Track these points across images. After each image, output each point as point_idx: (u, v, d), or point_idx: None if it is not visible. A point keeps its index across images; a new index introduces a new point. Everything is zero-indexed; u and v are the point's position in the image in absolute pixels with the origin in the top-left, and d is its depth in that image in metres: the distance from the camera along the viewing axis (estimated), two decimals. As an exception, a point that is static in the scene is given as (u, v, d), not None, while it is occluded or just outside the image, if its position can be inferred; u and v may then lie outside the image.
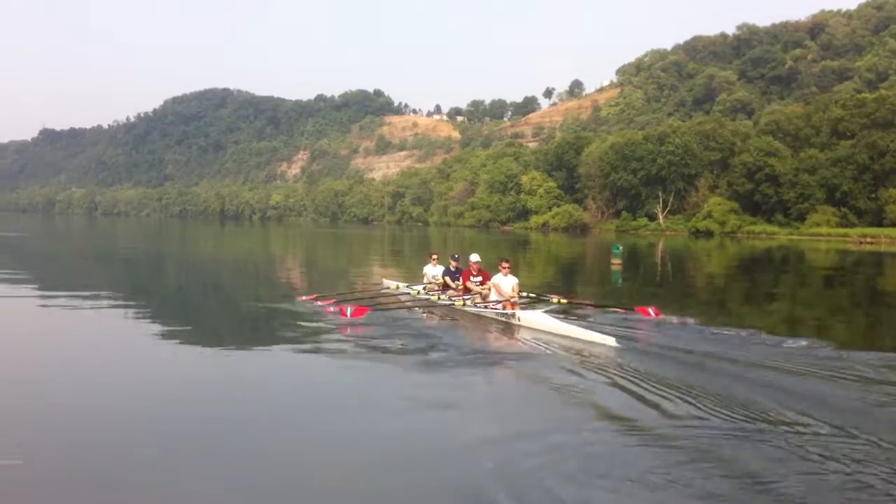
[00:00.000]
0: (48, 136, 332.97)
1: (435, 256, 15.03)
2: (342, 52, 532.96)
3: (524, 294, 13.05)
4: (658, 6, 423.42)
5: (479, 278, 12.98)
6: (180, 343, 10.27)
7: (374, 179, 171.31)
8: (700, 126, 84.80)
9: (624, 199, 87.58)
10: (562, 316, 11.54)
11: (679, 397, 6.87)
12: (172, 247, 43.82)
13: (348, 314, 11.11)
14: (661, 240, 63.53)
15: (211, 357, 9.49)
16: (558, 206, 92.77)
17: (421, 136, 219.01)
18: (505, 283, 12.29)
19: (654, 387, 7.27)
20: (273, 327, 11.92)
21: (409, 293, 13.95)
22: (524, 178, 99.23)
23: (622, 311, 12.49)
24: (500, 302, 12.01)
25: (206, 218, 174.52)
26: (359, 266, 28.55)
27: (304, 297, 13.51)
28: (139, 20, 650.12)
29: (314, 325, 11.16)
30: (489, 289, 12.52)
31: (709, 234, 72.87)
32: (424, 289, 13.86)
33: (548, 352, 9.33)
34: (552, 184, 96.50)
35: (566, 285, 20.19)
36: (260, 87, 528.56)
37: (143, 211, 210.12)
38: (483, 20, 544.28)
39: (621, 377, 7.74)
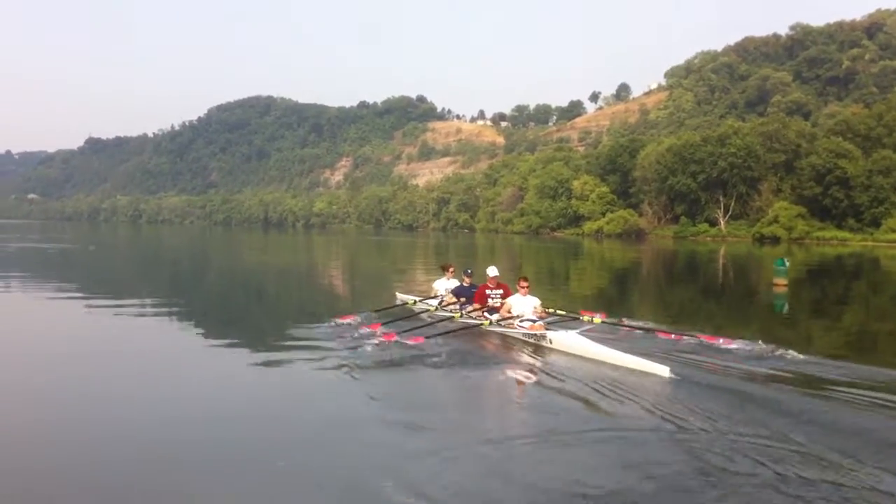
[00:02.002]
0: (94, 145, 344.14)
1: (452, 269, 13.73)
2: (385, 58, 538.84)
3: (552, 311, 11.70)
4: (705, 8, 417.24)
5: (500, 291, 11.80)
6: (208, 353, 10.06)
7: (417, 186, 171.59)
8: (763, 127, 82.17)
9: (682, 203, 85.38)
10: (602, 338, 10.20)
11: (764, 455, 5.65)
12: (216, 256, 44.19)
13: (382, 339, 10.15)
14: (722, 247, 61.62)
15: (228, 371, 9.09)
16: (612, 212, 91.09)
17: (465, 141, 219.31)
18: (522, 304, 11.02)
19: (719, 435, 6.17)
20: (306, 343, 11.18)
21: (428, 309, 12.87)
22: (575, 183, 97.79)
23: (676, 336, 10.86)
24: (524, 321, 10.81)
25: (249, 225, 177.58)
26: (403, 277, 28.06)
27: (338, 319, 12.24)
28: (183, 29, 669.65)
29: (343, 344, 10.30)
30: (502, 299, 11.47)
31: (775, 240, 70.42)
32: (441, 304, 12.81)
33: (586, 383, 8.11)
34: (605, 188, 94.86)
35: (703, 316, 16.24)
36: (303, 94, 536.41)
37: (186, 219, 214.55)
38: (526, 24, 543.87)
39: (678, 419, 6.62)
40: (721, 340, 10.29)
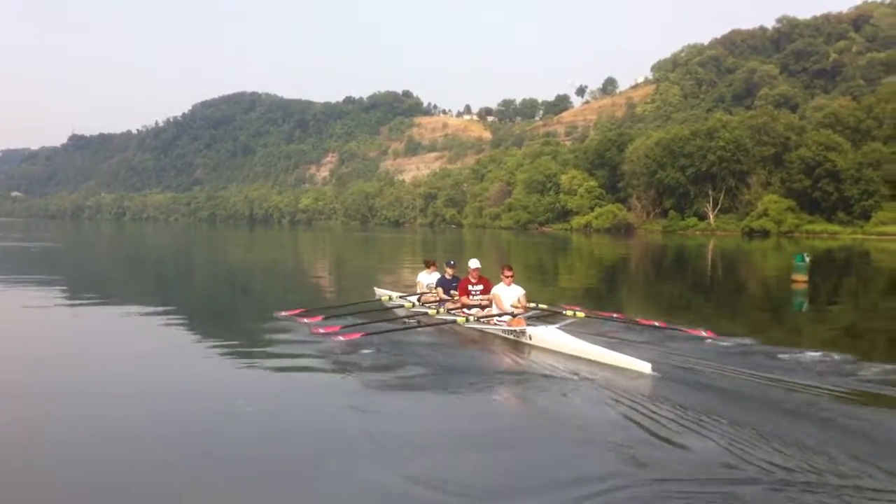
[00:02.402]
0: (77, 142, 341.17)
1: (434, 265, 13.52)
2: (370, 53, 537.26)
3: (533, 305, 11.33)
4: (691, 1, 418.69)
5: (480, 286, 11.35)
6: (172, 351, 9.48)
7: (404, 181, 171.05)
8: (751, 120, 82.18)
9: (671, 197, 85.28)
10: (584, 333, 9.82)
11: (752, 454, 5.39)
12: (199, 253, 43.51)
13: (340, 338, 9.67)
14: (711, 241, 61.51)
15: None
16: (600, 207, 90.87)
17: (451, 136, 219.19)
18: (507, 294, 10.78)
19: (703, 430, 5.92)
20: (263, 341, 10.70)
21: (402, 305, 12.44)
22: (563, 178, 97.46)
23: (662, 326, 10.83)
24: (503, 316, 10.48)
25: (234, 222, 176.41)
26: (388, 272, 27.55)
27: (284, 313, 11.95)
28: (165, 25, 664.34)
29: (299, 343, 9.92)
30: (489, 301, 11.04)
31: (764, 233, 70.47)
32: (419, 300, 12.41)
33: (564, 379, 7.89)
34: (593, 183, 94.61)
35: (725, 313, 15.73)
36: (288, 89, 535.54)
37: (171, 216, 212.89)
38: (512, 18, 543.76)
39: (658, 417, 6.33)
40: (705, 333, 10.21)
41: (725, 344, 9.71)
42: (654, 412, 6.49)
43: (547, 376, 8.08)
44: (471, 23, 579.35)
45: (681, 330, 10.44)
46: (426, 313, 11.38)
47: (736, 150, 78.10)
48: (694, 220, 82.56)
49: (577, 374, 8.09)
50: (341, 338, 9.67)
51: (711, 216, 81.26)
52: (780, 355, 8.90)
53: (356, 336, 9.73)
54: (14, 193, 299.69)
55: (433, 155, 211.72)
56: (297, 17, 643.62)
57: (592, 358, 8.69)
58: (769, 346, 9.62)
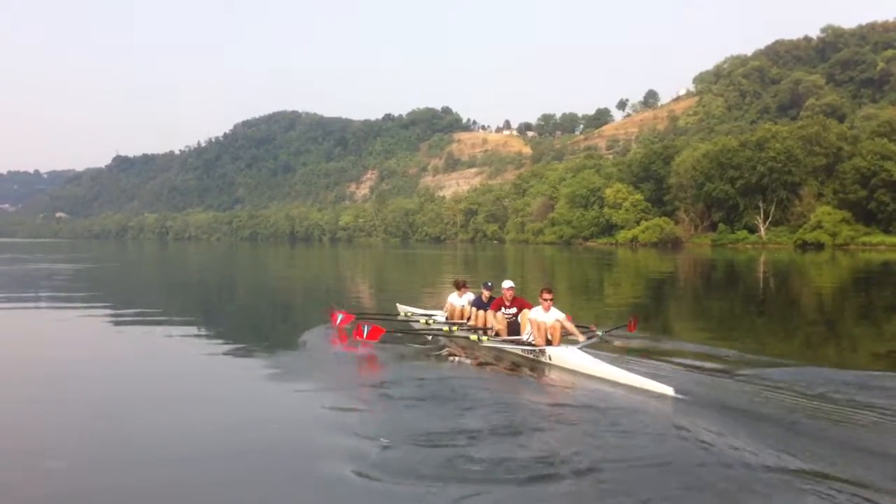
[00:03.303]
0: (121, 162, 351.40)
1: (464, 285, 12.82)
2: (409, 70, 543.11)
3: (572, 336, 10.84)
4: (732, 12, 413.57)
5: (513, 309, 10.96)
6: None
7: (444, 197, 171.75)
8: (802, 130, 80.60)
9: (720, 210, 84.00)
10: (606, 354, 9.63)
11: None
12: (243, 272, 44.33)
13: (364, 334, 10.57)
14: (762, 254, 60.29)
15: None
16: (646, 220, 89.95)
17: (491, 152, 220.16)
18: (542, 319, 10.12)
19: (728, 463, 5.47)
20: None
21: (420, 320, 12.78)
22: (608, 192, 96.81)
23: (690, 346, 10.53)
24: (514, 341, 10.31)
25: (275, 240, 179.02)
26: (431, 295, 27.68)
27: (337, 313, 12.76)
28: (208, 46, 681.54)
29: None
30: (515, 317, 10.79)
31: (818, 246, 68.82)
32: (447, 320, 12.42)
33: (584, 406, 7.50)
34: (639, 196, 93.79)
35: (775, 331, 14.94)
36: (328, 108, 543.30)
37: (213, 235, 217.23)
38: (551, 33, 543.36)
39: (683, 446, 5.90)
40: (729, 353, 10.03)
41: (765, 365, 9.27)
42: (674, 441, 6.05)
43: (563, 405, 7.74)
44: (509, 38, 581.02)
45: (712, 350, 10.11)
46: (442, 329, 11.47)
47: (787, 160, 76.66)
48: (744, 233, 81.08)
49: (596, 397, 7.78)
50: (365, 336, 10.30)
51: (762, 229, 79.71)
52: (834, 377, 8.57)
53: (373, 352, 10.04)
54: (59, 214, 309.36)
55: (473, 170, 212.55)
56: (337, 36, 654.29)
57: (613, 380, 8.42)
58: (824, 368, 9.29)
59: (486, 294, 11.87)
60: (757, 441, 5.98)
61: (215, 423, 7.18)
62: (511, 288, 11.00)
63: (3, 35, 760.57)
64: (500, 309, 11.03)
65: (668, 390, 7.59)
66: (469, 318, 11.90)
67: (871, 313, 17.92)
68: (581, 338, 10.23)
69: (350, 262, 56.28)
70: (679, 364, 9.46)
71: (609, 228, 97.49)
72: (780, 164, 76.87)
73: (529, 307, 10.68)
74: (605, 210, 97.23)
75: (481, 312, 11.51)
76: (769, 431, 6.28)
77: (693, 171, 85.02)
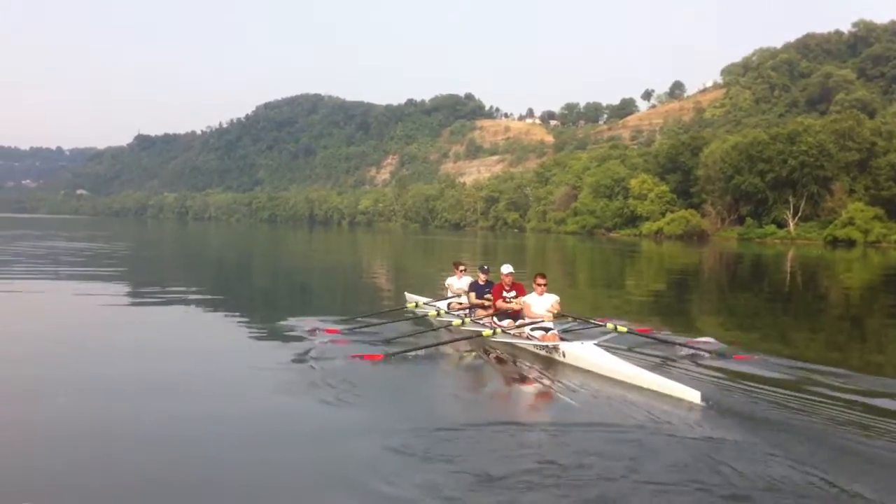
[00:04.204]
0: (143, 142, 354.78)
1: (462, 268, 13.27)
2: (433, 55, 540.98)
3: (566, 317, 10.74)
4: (762, 4, 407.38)
5: (513, 293, 11.09)
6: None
7: (465, 184, 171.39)
8: (835, 124, 79.13)
9: (748, 204, 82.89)
10: (625, 351, 9.28)
11: None
12: (263, 254, 44.52)
13: (362, 357, 9.07)
14: (791, 249, 59.45)
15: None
16: (672, 212, 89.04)
17: (513, 140, 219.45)
18: (539, 303, 10.33)
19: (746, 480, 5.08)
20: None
21: (427, 312, 12.55)
22: (633, 182, 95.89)
23: (713, 353, 9.76)
24: (535, 328, 10.01)
25: (294, 223, 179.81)
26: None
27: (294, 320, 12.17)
28: (231, 27, 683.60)
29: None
30: (519, 305, 10.77)
31: (849, 243, 67.72)
32: (449, 306, 12.49)
33: (598, 409, 7.14)
34: (664, 188, 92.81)
35: (802, 332, 14.24)
36: (350, 92, 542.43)
37: (233, 216, 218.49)
38: (577, 21, 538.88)
39: (713, 458, 5.48)
40: (755, 357, 9.45)
41: (797, 369, 8.83)
42: (707, 452, 5.67)
43: (576, 408, 7.20)
44: (533, 25, 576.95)
45: (733, 358, 9.49)
46: (451, 322, 11.32)
47: (819, 155, 75.40)
48: (773, 227, 79.98)
49: (613, 401, 7.35)
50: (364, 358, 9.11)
51: (791, 224, 78.59)
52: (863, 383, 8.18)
53: (378, 357, 9.12)
54: (80, 191, 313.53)
55: (495, 158, 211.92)
56: (361, 19, 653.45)
57: (632, 381, 7.90)
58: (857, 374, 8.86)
59: (482, 278, 12.06)
60: (801, 459, 5.50)
61: (205, 411, 7.09)
62: (510, 273, 11.19)
63: (28, 12, 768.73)
64: (501, 293, 11.20)
65: (696, 395, 7.13)
66: (471, 306, 11.94)
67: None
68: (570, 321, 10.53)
69: (369, 247, 56.30)
70: (703, 365, 9.07)
71: (633, 219, 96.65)
72: (811, 159, 75.62)
73: (525, 293, 10.97)
74: (630, 201, 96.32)
75: (493, 301, 11.47)
76: (813, 450, 5.76)
77: (722, 163, 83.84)
